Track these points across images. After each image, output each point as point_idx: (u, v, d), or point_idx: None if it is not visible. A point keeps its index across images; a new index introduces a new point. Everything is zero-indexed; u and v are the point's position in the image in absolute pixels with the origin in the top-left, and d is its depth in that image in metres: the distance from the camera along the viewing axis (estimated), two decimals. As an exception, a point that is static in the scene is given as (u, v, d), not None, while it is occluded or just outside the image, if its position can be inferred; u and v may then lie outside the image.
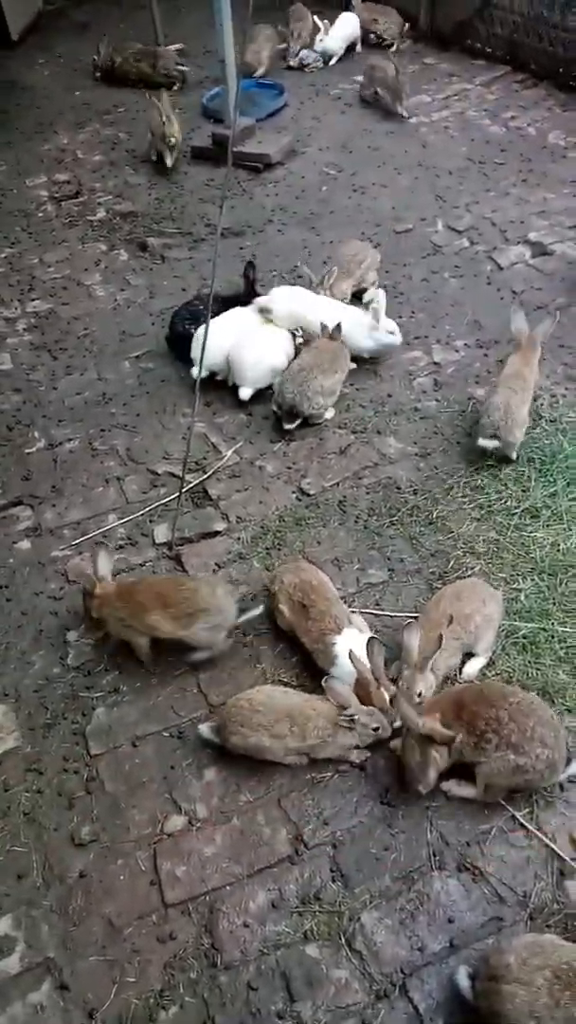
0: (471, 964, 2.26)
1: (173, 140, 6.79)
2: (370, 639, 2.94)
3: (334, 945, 2.42)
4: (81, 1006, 2.35)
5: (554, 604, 3.34)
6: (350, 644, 2.99)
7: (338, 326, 4.41)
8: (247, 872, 2.61)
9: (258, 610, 3.30)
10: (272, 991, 2.34)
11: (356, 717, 2.79)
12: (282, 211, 6.31)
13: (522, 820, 2.65)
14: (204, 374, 4.40)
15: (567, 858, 2.51)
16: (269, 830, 2.71)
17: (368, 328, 4.57)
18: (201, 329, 4.29)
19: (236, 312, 4.72)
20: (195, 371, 4.23)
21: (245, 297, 4.83)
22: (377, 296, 4.61)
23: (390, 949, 2.39)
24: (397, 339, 4.64)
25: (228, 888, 2.57)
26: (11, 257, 6.10)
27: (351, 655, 2.92)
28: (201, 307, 4.70)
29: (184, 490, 3.91)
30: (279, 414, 4.35)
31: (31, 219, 6.55)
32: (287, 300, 4.72)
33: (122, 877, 2.62)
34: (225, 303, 4.76)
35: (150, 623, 3.13)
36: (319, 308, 4.61)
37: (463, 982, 2.23)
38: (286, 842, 2.67)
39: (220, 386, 4.64)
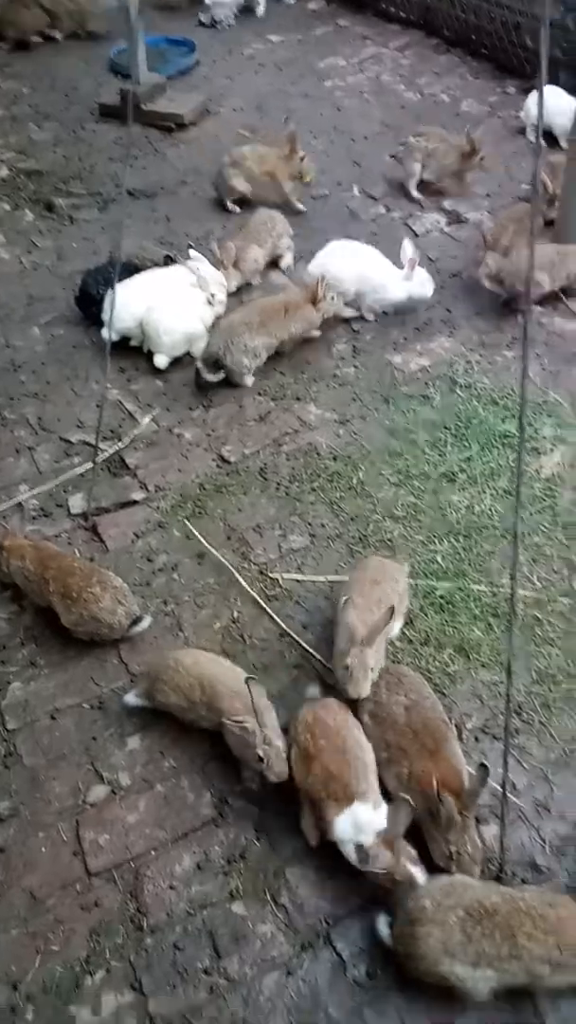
0: (390, 912, 2.33)
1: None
2: (400, 798, 2.37)
3: (259, 902, 2.45)
4: (3, 978, 2.31)
5: (469, 564, 3.44)
6: (349, 828, 2.41)
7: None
8: (172, 837, 2.61)
9: (146, 623, 3.14)
10: (199, 949, 2.36)
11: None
12: (196, 173, 6.16)
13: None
14: (115, 338, 4.28)
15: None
16: (193, 795, 2.72)
17: (401, 279, 4.57)
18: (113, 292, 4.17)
19: (152, 274, 4.59)
20: (105, 334, 4.13)
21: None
22: (408, 247, 4.57)
23: (314, 902, 2.45)
24: (429, 290, 4.66)
25: (153, 853, 2.57)
26: None
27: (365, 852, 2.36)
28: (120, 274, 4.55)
29: (99, 459, 3.82)
30: (199, 367, 4.27)
31: None
32: (346, 255, 4.65)
33: (43, 849, 2.58)
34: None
35: (48, 602, 3.12)
36: (375, 260, 4.65)
37: (383, 930, 2.30)
38: (210, 805, 2.69)
39: (135, 352, 4.52)
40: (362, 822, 2.38)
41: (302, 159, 5.55)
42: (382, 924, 2.31)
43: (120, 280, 4.13)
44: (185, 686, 2.75)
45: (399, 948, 2.24)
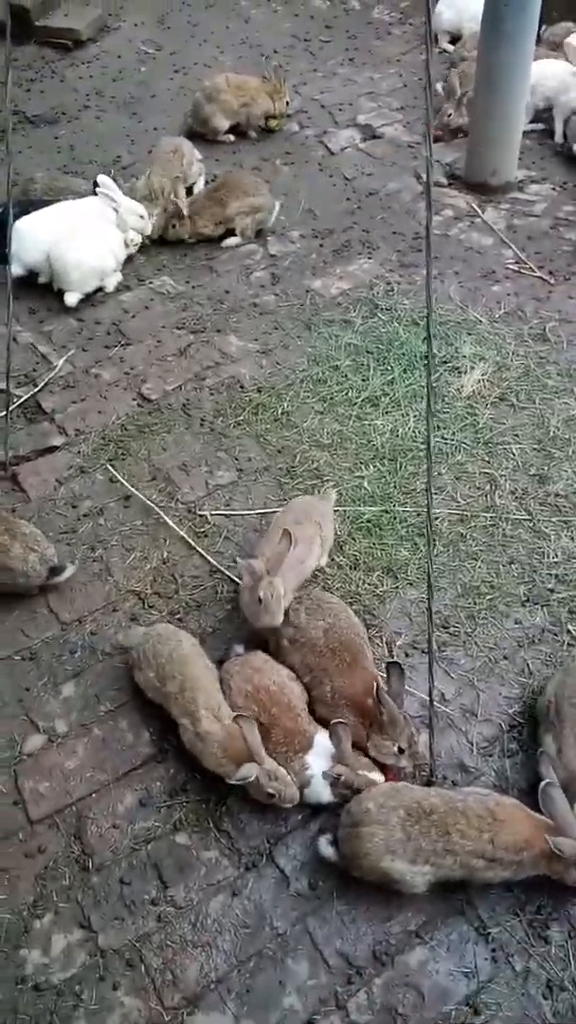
0: (329, 831, 2.41)
1: None
2: (334, 725, 2.44)
3: (203, 831, 2.50)
4: (-49, 931, 2.33)
5: (395, 487, 3.45)
6: (322, 761, 2.48)
7: None
8: (113, 778, 2.62)
9: (69, 571, 3.07)
10: (145, 882, 2.41)
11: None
12: (99, 95, 5.81)
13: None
14: (20, 272, 4.08)
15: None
16: (132, 735, 2.73)
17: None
18: (19, 223, 3.94)
19: (61, 205, 4.33)
20: (15, 268, 3.92)
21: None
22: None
23: (256, 824, 2.50)
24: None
25: (94, 795, 2.58)
26: None
27: (331, 778, 2.44)
28: (28, 206, 4.30)
29: (13, 406, 3.67)
30: None
31: None
32: None
33: (-17, 802, 2.58)
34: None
35: None
36: None
37: (326, 850, 2.38)
38: (149, 744, 2.70)
39: (46, 291, 4.31)
40: (324, 751, 2.47)
41: (288, 103, 5.28)
42: (324, 845, 2.38)
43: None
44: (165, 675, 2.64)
45: (344, 848, 2.32)
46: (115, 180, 4.45)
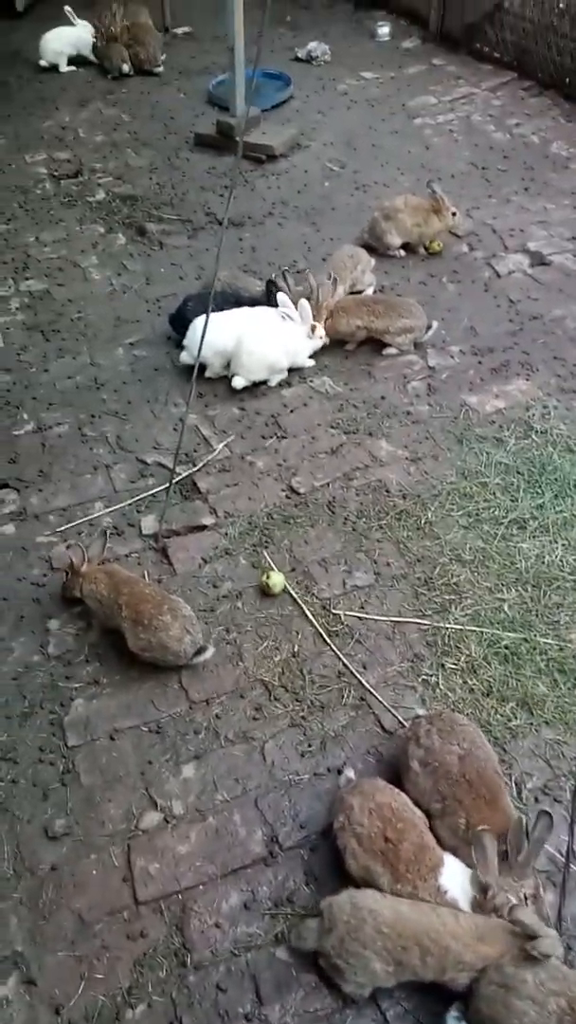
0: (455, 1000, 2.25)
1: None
2: (478, 832, 2.35)
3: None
4: (47, 1002, 2.33)
5: (536, 616, 3.35)
6: (457, 882, 2.40)
7: None
8: (221, 872, 2.60)
9: (209, 653, 3.15)
10: (241, 993, 2.33)
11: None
12: (283, 204, 6.27)
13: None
14: (190, 361, 4.37)
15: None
16: (244, 830, 2.70)
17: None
18: (200, 318, 4.25)
19: (253, 311, 4.66)
20: (184, 357, 4.19)
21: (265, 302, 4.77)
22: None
23: (361, 955, 2.39)
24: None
25: (201, 887, 2.56)
26: (6, 234, 6.00)
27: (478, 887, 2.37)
28: (218, 301, 4.66)
29: (174, 481, 3.88)
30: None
31: (28, 196, 6.45)
32: None
33: (94, 872, 2.60)
34: (240, 304, 4.71)
35: (118, 626, 3.17)
36: None
37: None
38: (261, 843, 2.67)
39: (214, 379, 4.60)
40: (458, 872, 2.39)
41: (454, 215, 5.56)
42: (454, 1020, 2.22)
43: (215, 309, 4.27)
44: (392, 948, 2.24)
45: (483, 1009, 2.14)
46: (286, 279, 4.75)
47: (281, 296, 4.61)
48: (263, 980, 2.35)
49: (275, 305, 4.62)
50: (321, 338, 4.65)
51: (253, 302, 4.76)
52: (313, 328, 4.59)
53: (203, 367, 4.55)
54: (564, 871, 2.38)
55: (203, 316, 4.37)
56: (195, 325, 4.43)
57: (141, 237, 5.92)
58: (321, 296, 4.66)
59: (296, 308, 4.55)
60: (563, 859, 2.40)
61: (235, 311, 4.61)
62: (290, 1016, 2.28)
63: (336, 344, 4.80)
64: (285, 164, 6.77)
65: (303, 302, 4.55)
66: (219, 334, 4.39)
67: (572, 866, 2.53)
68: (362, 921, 2.23)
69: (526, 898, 2.34)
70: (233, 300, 4.72)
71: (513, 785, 2.79)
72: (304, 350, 4.64)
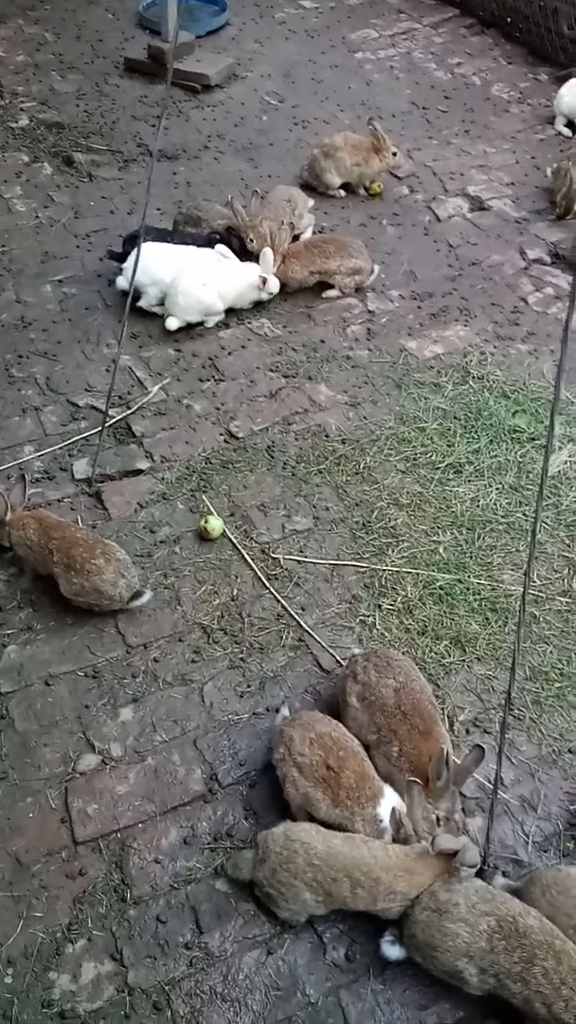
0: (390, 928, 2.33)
1: None
2: (409, 782, 2.38)
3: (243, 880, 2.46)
4: (-15, 941, 2.33)
5: (471, 557, 3.43)
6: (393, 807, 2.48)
7: None
8: (160, 810, 2.62)
9: (146, 597, 3.11)
10: (181, 923, 2.38)
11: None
12: (219, 138, 6.03)
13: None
14: (125, 287, 4.23)
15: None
16: (183, 769, 2.72)
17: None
18: (147, 245, 4.08)
19: (189, 249, 4.47)
20: (120, 281, 4.05)
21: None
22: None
23: (298, 883, 2.46)
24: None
25: (140, 826, 2.58)
26: None
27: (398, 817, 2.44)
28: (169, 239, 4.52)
29: (107, 424, 3.77)
30: None
31: (-56, 119, 6.01)
32: None
33: (31, 815, 2.58)
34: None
35: (50, 571, 3.09)
36: None
37: (391, 951, 2.30)
38: (200, 781, 2.69)
39: (148, 319, 4.45)
40: (396, 804, 2.44)
41: (394, 155, 5.42)
42: (388, 946, 2.29)
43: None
44: (322, 880, 2.28)
45: (418, 933, 2.22)
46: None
47: (221, 248, 4.46)
48: (202, 911, 2.40)
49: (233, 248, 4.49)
50: (271, 293, 4.52)
51: (210, 241, 4.58)
52: (264, 280, 4.46)
53: (138, 296, 4.39)
54: (492, 797, 2.49)
55: (150, 244, 4.24)
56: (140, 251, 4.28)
57: (69, 167, 5.61)
58: (277, 242, 4.52)
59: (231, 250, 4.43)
60: (492, 787, 2.50)
61: (183, 248, 4.44)
62: (229, 943, 2.34)
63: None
64: (221, 95, 6.49)
65: (266, 251, 4.42)
66: (158, 264, 4.25)
67: (501, 793, 2.65)
68: (294, 853, 2.29)
69: (438, 820, 2.42)
70: (192, 241, 4.56)
71: (446, 719, 2.88)
72: (246, 294, 4.50)
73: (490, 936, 2.15)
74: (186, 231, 4.73)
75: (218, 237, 4.58)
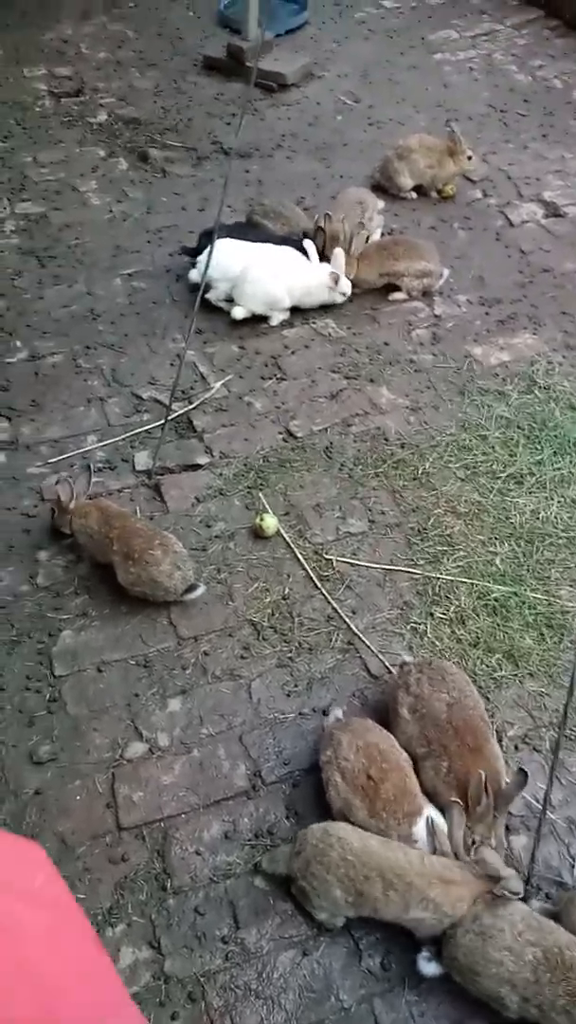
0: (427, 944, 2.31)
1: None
2: (452, 803, 2.39)
3: (282, 878, 2.47)
4: (29, 918, 2.38)
5: (527, 571, 3.36)
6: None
7: None
8: (203, 803, 2.64)
9: (200, 591, 3.14)
10: (219, 917, 2.40)
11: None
12: (293, 137, 6.04)
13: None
14: (197, 279, 4.26)
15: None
16: (228, 764, 2.74)
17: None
18: (223, 240, 4.13)
19: (266, 247, 4.49)
20: (193, 274, 4.09)
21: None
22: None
23: (337, 887, 2.45)
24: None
25: (183, 816, 2.61)
26: (3, 152, 5.76)
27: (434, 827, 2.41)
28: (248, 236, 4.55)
29: (169, 418, 3.82)
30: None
31: (27, 113, 6.16)
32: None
33: (78, 797, 2.64)
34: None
35: (108, 560, 3.14)
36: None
37: (428, 968, 2.28)
38: (244, 777, 2.71)
39: (214, 315, 4.48)
40: (439, 823, 2.41)
41: (469, 158, 5.36)
42: (424, 962, 2.27)
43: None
44: (355, 877, 2.28)
45: (459, 956, 2.19)
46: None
47: (308, 244, 4.45)
48: (240, 906, 2.42)
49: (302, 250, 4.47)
50: (344, 294, 4.50)
51: (286, 241, 4.57)
52: (336, 279, 4.43)
53: (208, 288, 4.43)
54: (540, 817, 2.44)
55: (226, 240, 4.28)
56: (215, 246, 4.34)
57: (143, 163, 5.70)
58: (353, 248, 4.50)
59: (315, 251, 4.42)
60: (540, 807, 2.45)
61: (257, 244, 4.47)
62: (265, 940, 2.35)
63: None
64: (297, 94, 6.49)
65: (338, 251, 4.41)
66: (230, 258, 4.28)
67: (548, 813, 2.59)
68: (329, 847, 2.29)
69: (473, 843, 2.37)
70: (265, 237, 4.58)
71: (495, 733, 2.83)
72: (319, 295, 4.49)
73: (535, 967, 2.10)
74: (263, 224, 4.72)
75: (304, 235, 4.57)
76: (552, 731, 2.82)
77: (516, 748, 2.82)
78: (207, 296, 4.42)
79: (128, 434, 3.88)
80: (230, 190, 5.36)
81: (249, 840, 2.56)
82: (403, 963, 2.31)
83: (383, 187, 5.45)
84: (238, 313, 4.39)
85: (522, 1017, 2.15)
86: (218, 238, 4.48)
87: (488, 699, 2.92)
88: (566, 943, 2.14)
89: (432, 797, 2.50)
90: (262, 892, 2.45)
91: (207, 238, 4.49)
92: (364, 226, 4.84)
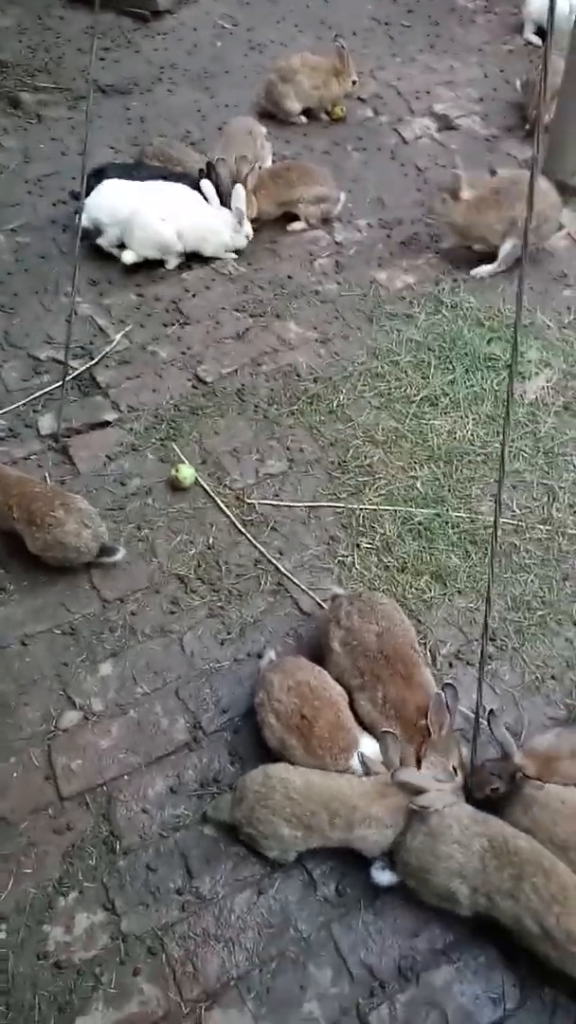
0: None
1: None
2: (383, 732, 2.38)
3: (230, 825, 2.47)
4: (-23, 900, 2.33)
5: (449, 491, 3.37)
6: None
7: None
8: (145, 761, 2.61)
9: (119, 554, 3.05)
10: (171, 870, 2.39)
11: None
12: (172, 68, 5.74)
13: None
14: (88, 225, 4.06)
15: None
16: (167, 720, 2.70)
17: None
18: (107, 182, 3.96)
19: (157, 184, 4.27)
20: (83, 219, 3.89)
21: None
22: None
23: (286, 823, 2.46)
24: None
25: (126, 778, 2.57)
26: None
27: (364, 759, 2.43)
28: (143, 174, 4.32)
29: (69, 377, 3.65)
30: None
31: None
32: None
33: (15, 774, 2.57)
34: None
35: (13, 529, 3.02)
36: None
37: (382, 877, 2.33)
38: (184, 731, 2.68)
39: (107, 263, 4.28)
40: (371, 755, 2.42)
41: (354, 82, 5.15)
42: (379, 871, 2.31)
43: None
44: (301, 814, 2.30)
45: (411, 859, 2.25)
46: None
47: (206, 184, 4.23)
48: (192, 856, 2.41)
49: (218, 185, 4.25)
50: (248, 236, 4.31)
51: (181, 178, 4.35)
52: (241, 221, 4.24)
53: (98, 233, 4.21)
54: (474, 727, 2.48)
55: (113, 180, 4.06)
56: (100, 189, 4.11)
57: (15, 109, 5.33)
58: (249, 182, 4.27)
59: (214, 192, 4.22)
60: (474, 717, 2.49)
61: (148, 183, 4.24)
62: (220, 885, 2.36)
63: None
64: (172, 21, 6.14)
65: (238, 187, 4.19)
66: (119, 201, 4.08)
67: (482, 722, 2.64)
68: (272, 789, 2.30)
69: (455, 769, 2.42)
70: (159, 175, 4.35)
71: (428, 653, 2.86)
72: (223, 238, 4.29)
73: (482, 856, 2.18)
74: (152, 165, 4.50)
75: (202, 172, 4.34)
76: (482, 643, 2.85)
77: (450, 665, 2.85)
78: (98, 242, 4.21)
79: (29, 398, 3.70)
80: (112, 129, 5.12)
81: (195, 791, 2.55)
82: (357, 886, 2.35)
83: (271, 113, 5.23)
84: (128, 258, 4.19)
85: (474, 912, 2.21)
86: (107, 178, 4.26)
87: (420, 621, 2.94)
88: (511, 833, 2.22)
89: (370, 728, 2.51)
90: (212, 839, 2.44)
91: (96, 179, 4.26)
92: (256, 157, 4.65)
